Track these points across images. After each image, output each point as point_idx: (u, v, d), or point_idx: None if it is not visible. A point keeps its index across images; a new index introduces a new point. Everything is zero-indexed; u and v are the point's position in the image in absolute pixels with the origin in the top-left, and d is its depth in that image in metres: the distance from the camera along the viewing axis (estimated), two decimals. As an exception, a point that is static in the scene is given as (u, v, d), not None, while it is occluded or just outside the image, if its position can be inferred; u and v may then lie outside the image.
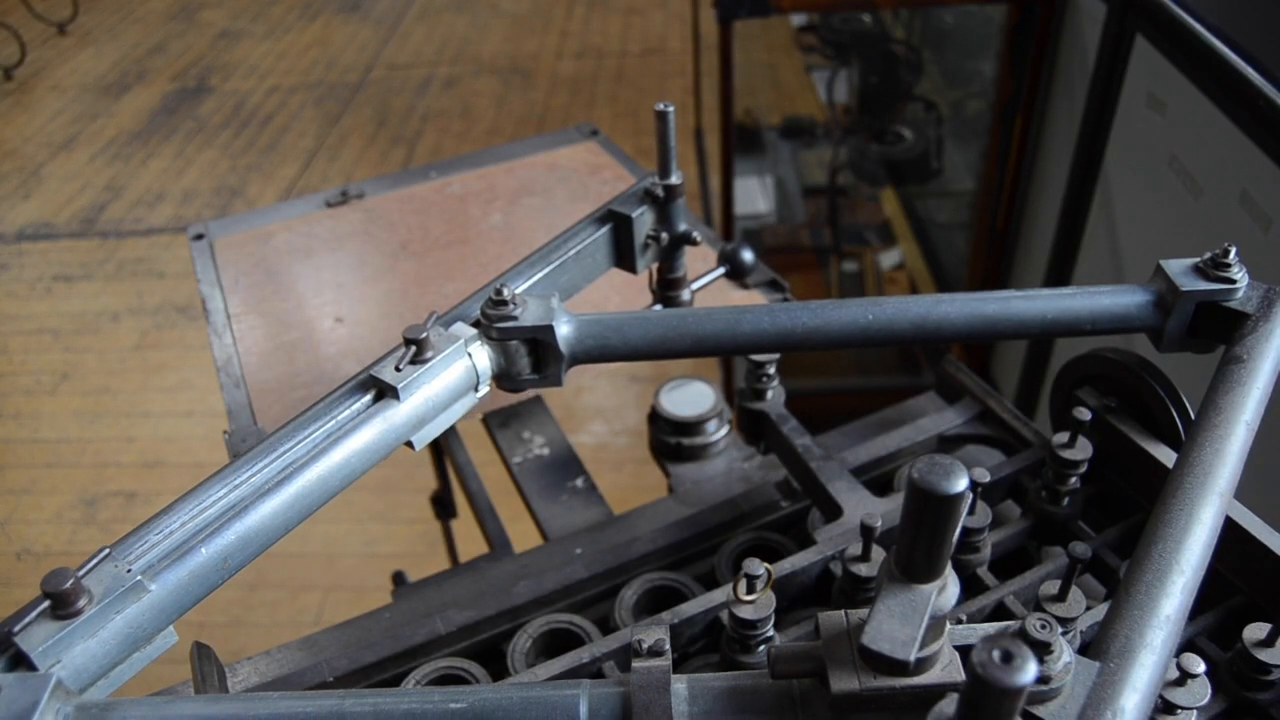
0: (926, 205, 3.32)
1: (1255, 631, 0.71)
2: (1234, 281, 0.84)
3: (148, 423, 3.28)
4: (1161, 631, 0.58)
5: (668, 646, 0.58)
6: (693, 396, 1.23)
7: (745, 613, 0.73)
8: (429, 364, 0.75)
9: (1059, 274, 2.27)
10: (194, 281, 1.48)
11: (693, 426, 1.24)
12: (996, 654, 0.42)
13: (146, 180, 4.72)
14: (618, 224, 0.96)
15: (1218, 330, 0.85)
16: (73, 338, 3.74)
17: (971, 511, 0.81)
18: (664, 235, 1.00)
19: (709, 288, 1.15)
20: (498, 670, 0.82)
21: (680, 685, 0.57)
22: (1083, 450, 0.84)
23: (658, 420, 1.27)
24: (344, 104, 5.23)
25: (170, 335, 3.71)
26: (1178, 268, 0.85)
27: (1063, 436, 0.85)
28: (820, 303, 0.81)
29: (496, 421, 1.38)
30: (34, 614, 0.59)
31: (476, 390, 0.79)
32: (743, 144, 3.53)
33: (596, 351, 0.81)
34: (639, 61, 5.48)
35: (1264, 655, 0.70)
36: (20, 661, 0.58)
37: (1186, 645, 0.69)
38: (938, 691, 0.52)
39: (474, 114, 5.07)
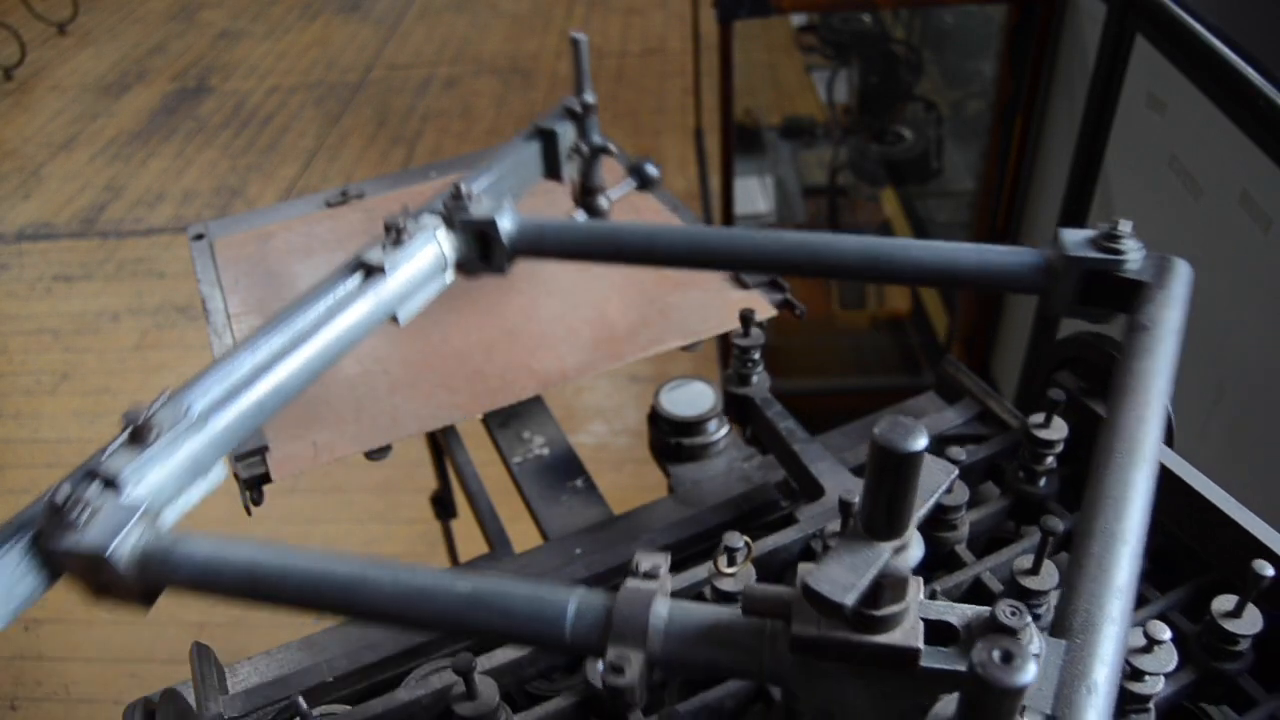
0: (926, 205, 3.32)
1: (1223, 603, 0.73)
2: (1123, 252, 0.88)
3: (148, 423, 3.28)
4: (1118, 602, 0.59)
5: (663, 572, 0.62)
6: (693, 396, 1.23)
7: (726, 585, 0.75)
8: (408, 246, 0.92)
9: (1059, 274, 2.27)
10: (194, 281, 1.48)
11: (693, 426, 1.24)
12: (996, 654, 0.42)
13: (146, 180, 4.72)
14: (545, 139, 1.16)
15: (1114, 299, 0.88)
16: (73, 338, 3.74)
17: (949, 491, 0.82)
18: (584, 147, 1.19)
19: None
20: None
21: (662, 607, 0.59)
22: (1058, 430, 0.87)
23: (658, 420, 1.27)
24: (344, 104, 5.23)
25: (170, 335, 3.71)
26: (1072, 237, 0.90)
27: (1038, 417, 0.88)
28: (730, 229, 0.94)
29: (496, 421, 1.38)
30: (116, 444, 0.73)
31: (445, 273, 0.96)
32: (743, 144, 3.53)
33: (533, 247, 0.99)
34: (639, 61, 5.48)
35: (1231, 626, 0.72)
36: (109, 484, 0.70)
37: (1159, 619, 0.71)
38: (894, 652, 0.53)
39: (474, 114, 5.07)
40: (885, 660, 0.54)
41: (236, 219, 1.64)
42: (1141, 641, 0.67)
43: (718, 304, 1.33)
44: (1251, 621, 0.72)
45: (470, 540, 1.97)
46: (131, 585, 0.66)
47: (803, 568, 0.52)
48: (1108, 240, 0.88)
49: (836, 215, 3.35)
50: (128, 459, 0.71)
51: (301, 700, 0.67)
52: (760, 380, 1.10)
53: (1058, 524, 0.73)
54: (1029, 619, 0.51)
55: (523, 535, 1.31)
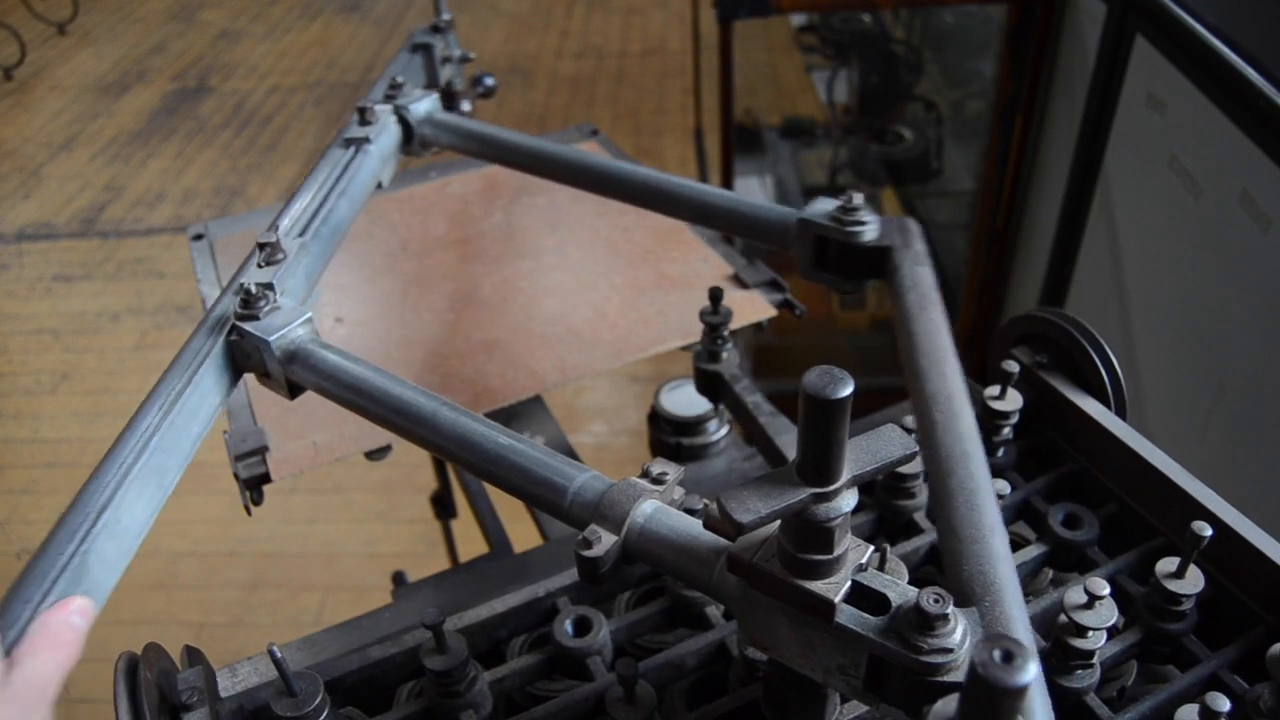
0: (926, 205, 3.32)
1: (1166, 565, 0.75)
2: (853, 225, 0.94)
3: (148, 423, 3.28)
4: (1000, 553, 0.63)
5: (670, 479, 0.67)
6: (693, 396, 1.23)
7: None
8: (379, 124, 1.20)
9: (1059, 274, 2.27)
10: (194, 281, 1.48)
11: (693, 426, 1.24)
12: (997, 654, 0.43)
13: (146, 180, 4.72)
14: (424, 51, 1.51)
15: (866, 267, 0.95)
16: (73, 338, 3.74)
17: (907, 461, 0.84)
18: (454, 56, 1.56)
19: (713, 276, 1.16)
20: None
21: (648, 505, 0.65)
22: (1012, 402, 0.90)
23: (658, 420, 1.27)
24: (344, 104, 5.23)
25: (170, 335, 3.71)
26: (816, 205, 0.98)
27: (994, 389, 0.90)
28: (576, 154, 1.16)
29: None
30: (250, 264, 0.93)
31: (401, 150, 1.25)
32: (743, 144, 3.53)
33: (431, 139, 1.25)
34: (639, 61, 5.48)
35: (1174, 586, 0.74)
36: (268, 288, 0.87)
37: (1109, 581, 0.72)
38: (809, 598, 0.55)
39: (474, 114, 5.07)
40: (802, 604, 0.56)
41: (236, 219, 1.64)
42: (1083, 598, 0.69)
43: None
44: (1193, 581, 0.74)
45: (470, 540, 1.97)
46: (280, 375, 0.85)
47: (725, 493, 0.54)
48: (842, 213, 0.95)
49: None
50: (266, 273, 0.91)
51: (276, 649, 0.68)
52: (730, 356, 1.14)
53: (1005, 486, 0.77)
54: (950, 607, 0.52)
55: (523, 535, 1.30)
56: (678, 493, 0.69)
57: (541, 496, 0.70)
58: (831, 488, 0.53)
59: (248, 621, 2.68)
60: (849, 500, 0.54)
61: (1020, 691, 0.42)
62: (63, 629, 0.59)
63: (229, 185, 4.63)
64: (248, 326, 0.85)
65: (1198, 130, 1.66)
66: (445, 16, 1.49)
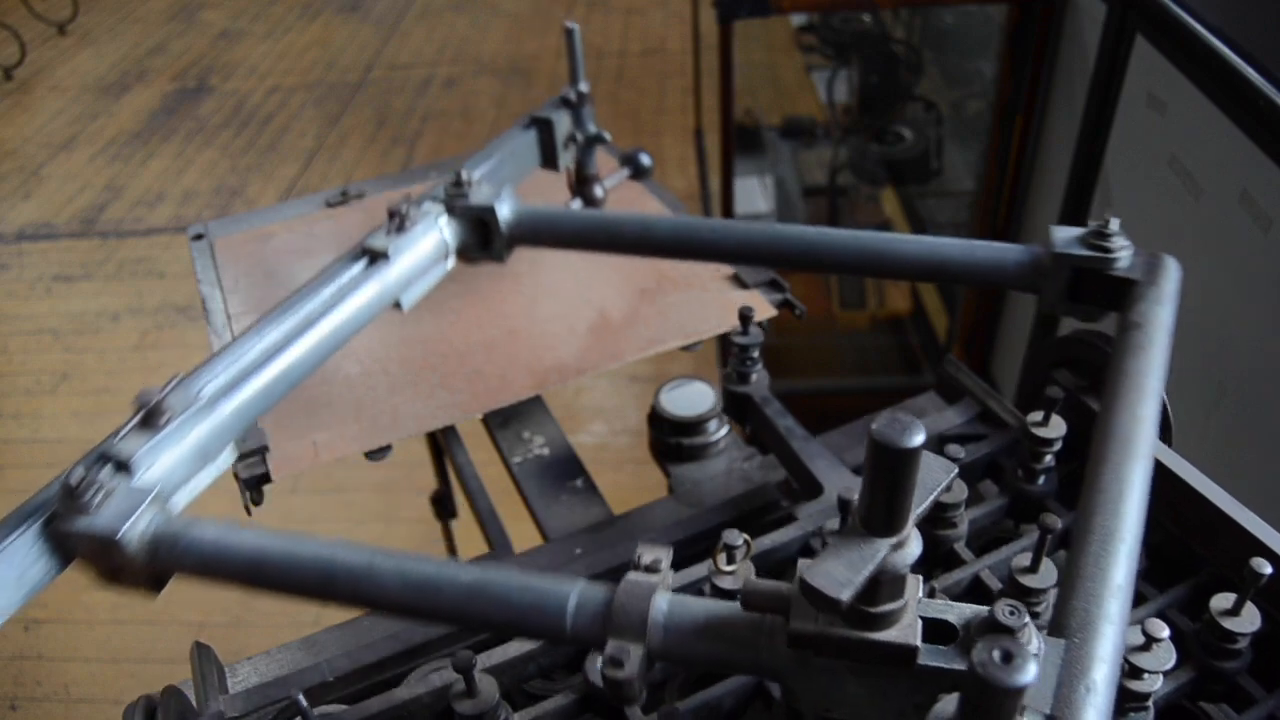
0: (926, 205, 3.32)
1: (1221, 601, 0.73)
2: (1112, 250, 0.88)
3: (148, 423, 3.28)
4: (1116, 601, 0.59)
5: (664, 566, 0.62)
6: (693, 396, 1.23)
7: (725, 583, 0.75)
8: (411, 232, 0.94)
9: (1059, 274, 2.27)
10: (194, 281, 1.48)
11: (693, 426, 1.24)
12: (997, 654, 0.42)
13: (146, 180, 4.72)
14: (541, 128, 1.20)
15: (1107, 297, 0.89)
16: (73, 338, 3.74)
17: (948, 489, 0.82)
18: (579, 136, 1.23)
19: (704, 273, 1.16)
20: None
21: (662, 600, 0.59)
22: (1056, 429, 0.87)
23: (658, 420, 1.27)
24: (344, 104, 5.23)
25: (170, 335, 3.71)
26: (1062, 235, 0.90)
27: (1037, 416, 0.88)
28: (725, 221, 0.96)
29: (496, 421, 1.38)
30: (128, 427, 0.73)
31: (447, 260, 0.99)
32: (743, 144, 3.53)
33: (530, 235, 1.00)
34: (639, 61, 5.48)
35: (1230, 624, 0.72)
36: (121, 467, 0.69)
37: (1157, 617, 0.71)
38: (890, 649, 0.53)
39: (474, 114, 5.07)
40: (882, 657, 0.54)
41: (236, 219, 1.64)
42: (1140, 640, 0.67)
43: (718, 304, 1.33)
44: (1250, 620, 0.72)
45: (470, 540, 1.96)
46: (141, 570, 0.67)
47: (801, 563, 0.52)
48: (1097, 239, 0.89)
49: (836, 215, 3.35)
50: (140, 442, 0.72)
51: (301, 698, 0.67)
52: (759, 378, 1.10)
53: (1056, 521, 0.73)
54: (1027, 618, 0.51)
55: (523, 535, 1.30)
56: (670, 576, 0.64)
57: (534, 625, 0.61)
58: (902, 536, 0.52)
59: (247, 621, 2.68)
60: (918, 544, 0.53)
61: (1020, 691, 0.42)
62: None
63: (229, 185, 4.63)
64: (75, 524, 0.67)
65: (1198, 130, 1.66)
66: (583, 88, 1.20)
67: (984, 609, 0.53)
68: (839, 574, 0.50)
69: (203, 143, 5.00)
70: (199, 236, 1.58)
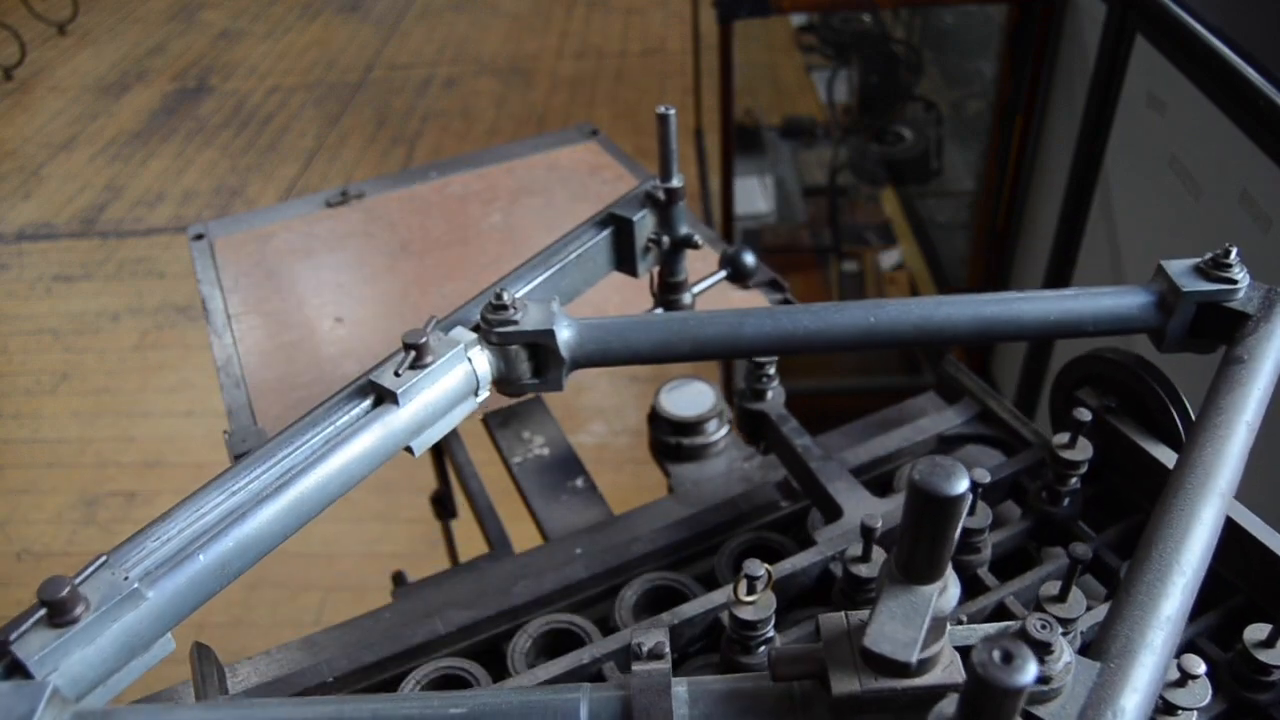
0: (926, 205, 3.32)
1: (1256, 632, 0.72)
2: (1235, 282, 0.84)
3: (148, 423, 3.28)
4: (1162, 632, 0.58)
5: (667, 650, 0.59)
6: (693, 397, 1.23)
7: (746, 614, 0.73)
8: (429, 369, 0.75)
9: (1059, 274, 2.27)
10: (194, 281, 1.48)
11: (693, 426, 1.24)
12: (997, 654, 0.42)
13: (146, 180, 4.72)
14: (619, 227, 0.97)
15: (1218, 330, 0.85)
16: (73, 338, 3.74)
17: (972, 512, 0.81)
18: (665, 239, 1.00)
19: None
20: (498, 671, 0.82)
21: (680, 689, 0.57)
22: (1083, 451, 0.84)
23: (658, 420, 1.27)
24: (344, 104, 5.23)
25: (170, 335, 3.71)
26: (1179, 268, 0.85)
27: (1063, 437, 0.85)
28: (822, 305, 0.81)
29: (496, 421, 1.38)
30: (30, 622, 0.58)
31: (476, 395, 0.79)
32: (743, 144, 3.53)
33: (598, 356, 0.81)
34: (639, 61, 5.48)
35: (1264, 656, 0.70)
36: (16, 669, 0.57)
37: (1187, 646, 0.70)
38: (939, 692, 0.52)
39: (474, 114, 5.07)
40: (930, 701, 0.52)
41: (236, 219, 1.64)
42: (1175, 675, 0.66)
43: (718, 304, 1.33)
44: None
45: (470, 540, 1.96)
46: None
47: (827, 621, 0.50)
48: (1216, 269, 0.85)
49: (836, 215, 3.35)
50: (42, 642, 0.58)
51: None
52: (775, 395, 1.05)
53: (1087, 550, 0.71)
54: (1060, 632, 0.50)
55: (523, 535, 1.30)
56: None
57: None
58: (944, 580, 0.51)
59: (248, 621, 2.68)
60: (957, 585, 0.52)
61: (1019, 692, 0.42)
62: None
63: (229, 185, 4.62)
64: None
65: (1198, 130, 1.66)
66: (676, 183, 0.97)
67: (1014, 623, 0.52)
68: (900, 635, 0.49)
69: (203, 143, 5.00)
70: (199, 236, 1.58)
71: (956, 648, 0.53)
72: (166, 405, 3.34)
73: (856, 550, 0.76)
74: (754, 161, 3.61)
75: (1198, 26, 1.62)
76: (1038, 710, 0.51)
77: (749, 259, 1.13)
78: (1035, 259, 2.49)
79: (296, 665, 0.86)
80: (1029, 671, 0.42)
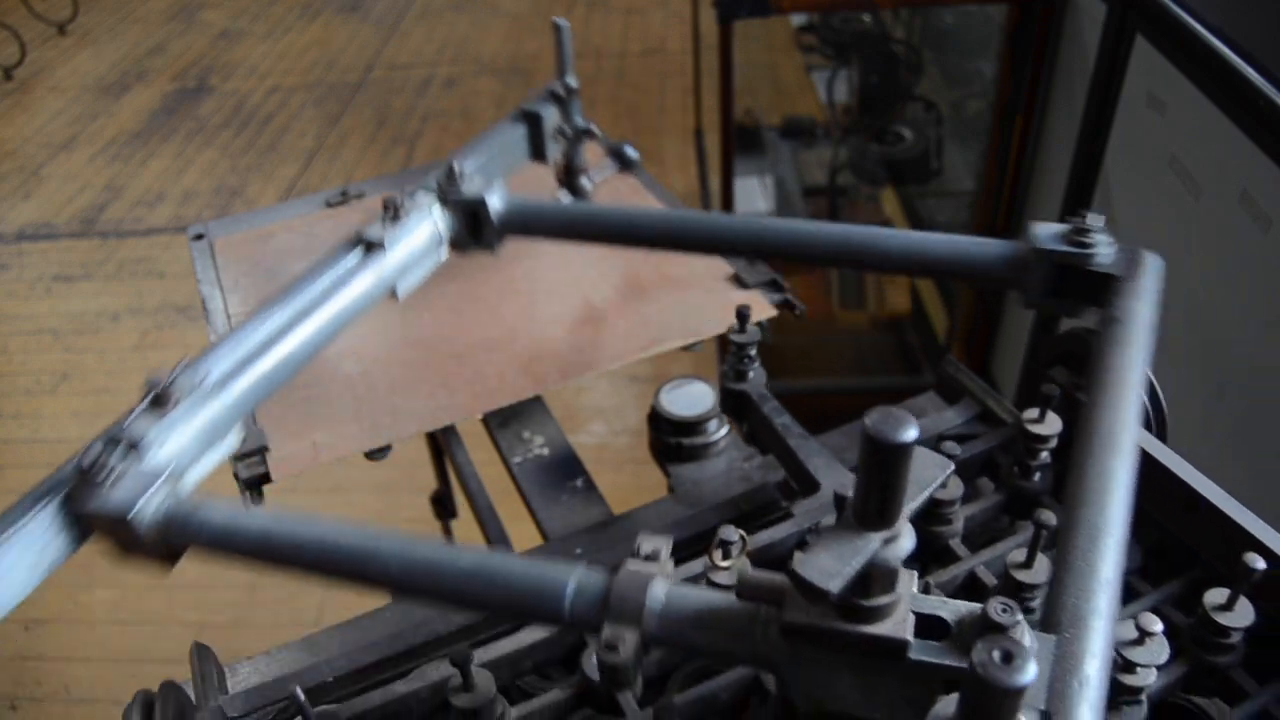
0: (926, 205, 3.32)
1: (1215, 596, 0.74)
2: (1092, 246, 0.88)
3: (148, 423, 3.28)
4: (1105, 595, 0.60)
5: (664, 556, 0.63)
6: (693, 397, 1.23)
7: (721, 579, 0.76)
8: (405, 222, 0.97)
9: (1059, 274, 2.27)
10: (194, 281, 1.48)
11: (693, 426, 1.24)
12: (997, 654, 0.42)
13: (146, 180, 4.72)
14: (531, 121, 1.21)
15: (1086, 293, 0.89)
16: (73, 338, 3.74)
17: (944, 486, 0.83)
18: (567, 130, 1.25)
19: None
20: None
21: (659, 589, 0.60)
22: (1051, 425, 0.88)
23: (658, 420, 1.27)
24: (344, 104, 5.23)
25: (170, 335, 3.71)
26: (1043, 231, 0.90)
27: (1033, 413, 0.88)
28: (709, 214, 0.98)
29: (496, 421, 1.38)
30: (138, 411, 0.75)
31: (440, 249, 1.01)
32: (743, 144, 3.52)
33: (520, 226, 1.02)
34: (639, 61, 5.48)
35: (1223, 619, 0.73)
36: (132, 448, 0.72)
37: (1152, 612, 0.71)
38: (885, 644, 0.53)
39: (474, 114, 5.07)
40: (874, 650, 0.54)
41: (236, 219, 1.64)
42: (1133, 634, 0.68)
43: (717, 304, 1.33)
44: (1243, 614, 0.73)
45: (470, 540, 1.96)
46: (154, 547, 0.70)
47: (796, 555, 0.53)
48: (1077, 234, 0.89)
49: (836, 215, 3.35)
50: (150, 423, 0.74)
51: (300, 692, 0.67)
52: (756, 376, 1.11)
53: (1051, 517, 0.74)
54: (1020, 616, 0.51)
55: (523, 535, 1.31)
56: (670, 565, 0.65)
57: (534, 608, 0.63)
58: (895, 529, 0.52)
59: (248, 621, 2.68)
60: (911, 538, 0.53)
61: (1020, 692, 0.42)
62: None
63: (229, 185, 4.63)
64: (90, 503, 0.70)
65: (1198, 130, 1.66)
66: (571, 82, 1.22)
67: (978, 606, 0.53)
68: (829, 565, 0.51)
69: (203, 143, 5.00)
70: (199, 236, 1.58)
71: (920, 615, 0.54)
72: (166, 405, 3.35)
73: (831, 520, 0.78)
74: (754, 161, 3.61)
75: (1198, 26, 1.62)
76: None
77: (631, 151, 1.36)
78: (1035, 259, 2.49)
79: (296, 665, 0.86)
80: (1029, 671, 0.42)
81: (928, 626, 0.54)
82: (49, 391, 3.50)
